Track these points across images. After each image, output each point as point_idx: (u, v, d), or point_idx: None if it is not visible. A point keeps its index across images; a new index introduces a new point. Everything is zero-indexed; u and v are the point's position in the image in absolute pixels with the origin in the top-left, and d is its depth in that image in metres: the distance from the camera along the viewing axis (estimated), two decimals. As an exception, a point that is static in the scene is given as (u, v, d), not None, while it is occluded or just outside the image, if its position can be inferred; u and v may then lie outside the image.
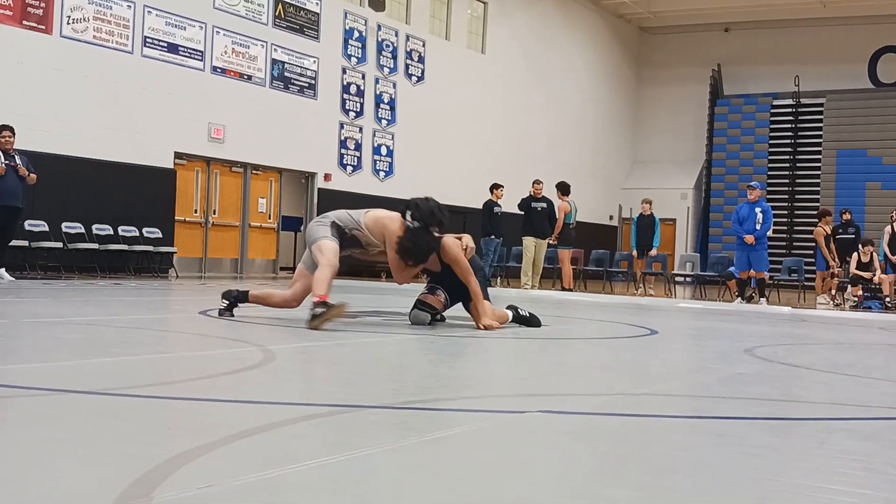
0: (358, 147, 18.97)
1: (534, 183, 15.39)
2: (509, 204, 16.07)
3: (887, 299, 13.59)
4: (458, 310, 6.63)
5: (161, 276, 14.53)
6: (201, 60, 15.66)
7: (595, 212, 25.86)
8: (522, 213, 15.31)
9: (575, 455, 2.51)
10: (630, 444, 2.72)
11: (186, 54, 15.41)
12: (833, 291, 14.67)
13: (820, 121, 26.42)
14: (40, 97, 13.25)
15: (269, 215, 17.51)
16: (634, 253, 16.30)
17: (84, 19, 13.88)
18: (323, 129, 18.14)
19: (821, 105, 26.43)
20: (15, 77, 12.99)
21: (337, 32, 18.44)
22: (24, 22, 13.11)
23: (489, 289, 6.90)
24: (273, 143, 16.95)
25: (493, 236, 15.34)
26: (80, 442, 2.38)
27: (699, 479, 2.28)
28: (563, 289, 15.32)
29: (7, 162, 11.09)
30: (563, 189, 15.72)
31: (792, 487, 2.20)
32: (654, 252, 16.07)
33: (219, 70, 15.95)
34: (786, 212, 25.94)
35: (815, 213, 16.41)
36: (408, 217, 6.09)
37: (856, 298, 14.06)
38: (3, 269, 11.13)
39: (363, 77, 19.04)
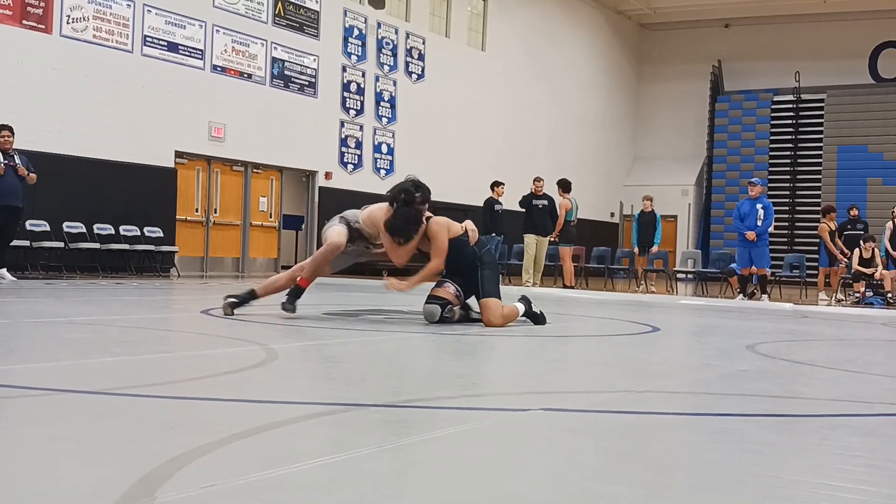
0: (358, 145, 18.97)
1: (535, 180, 15.39)
2: (510, 201, 16.07)
3: (889, 295, 13.58)
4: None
5: (162, 275, 14.53)
6: (201, 59, 15.66)
7: (596, 209, 25.85)
8: (523, 210, 15.30)
9: (576, 452, 2.51)
10: (631, 441, 2.72)
11: (186, 53, 15.41)
12: (838, 288, 14.65)
13: (821, 116, 26.39)
14: (41, 97, 13.26)
15: (270, 214, 17.52)
16: (636, 250, 16.30)
17: (84, 18, 13.88)
18: (323, 128, 18.14)
19: (821, 101, 26.41)
20: (15, 77, 12.99)
21: (337, 30, 18.43)
22: (24, 21, 13.11)
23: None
24: (274, 142, 16.95)
25: (493, 234, 15.33)
26: (81, 441, 2.39)
27: (700, 476, 2.28)
28: (565, 286, 15.31)
29: (6, 162, 11.09)
30: (564, 186, 15.71)
31: (793, 484, 2.20)
32: (655, 249, 16.07)
33: (219, 69, 15.95)
34: (787, 208, 25.92)
35: (817, 209, 16.42)
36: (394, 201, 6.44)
37: (858, 294, 14.05)
38: (4, 269, 11.13)
39: (363, 75, 19.04)
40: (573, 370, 4.66)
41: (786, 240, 25.49)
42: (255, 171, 17.07)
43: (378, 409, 3.02)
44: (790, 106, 26.96)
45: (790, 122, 26.89)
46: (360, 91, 18.98)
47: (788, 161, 26.75)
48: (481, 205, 15.95)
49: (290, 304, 6.60)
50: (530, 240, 15.07)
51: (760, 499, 2.07)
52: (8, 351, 4.38)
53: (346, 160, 18.67)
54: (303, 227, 18.40)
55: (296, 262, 19.16)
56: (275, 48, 16.98)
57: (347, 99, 18.67)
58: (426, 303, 6.43)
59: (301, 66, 17.55)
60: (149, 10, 14.82)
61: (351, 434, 2.63)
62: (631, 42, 29.20)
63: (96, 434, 2.49)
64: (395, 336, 5.70)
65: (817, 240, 15.29)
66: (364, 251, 6.77)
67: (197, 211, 16.12)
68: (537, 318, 6.71)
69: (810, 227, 25.30)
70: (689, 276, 19.76)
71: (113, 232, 14.19)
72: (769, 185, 24.68)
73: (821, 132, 26.30)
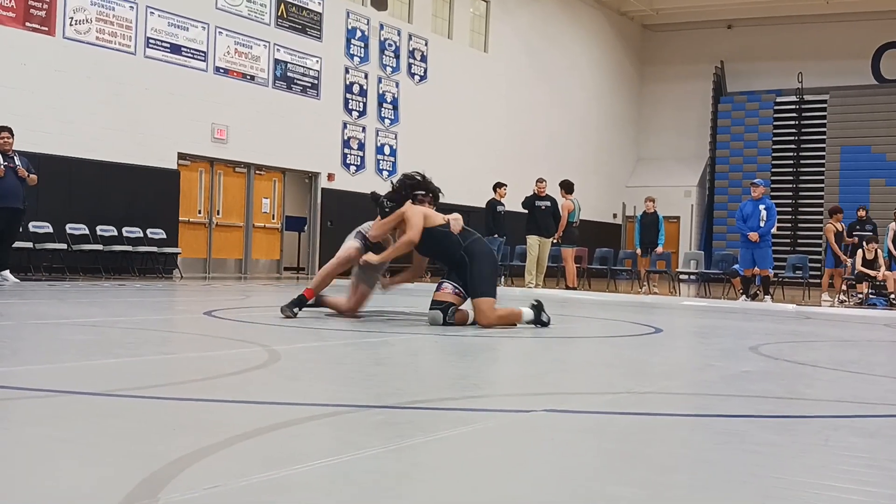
0: (361, 147, 18.98)
1: (537, 181, 15.39)
2: (513, 202, 16.06)
3: (892, 296, 13.57)
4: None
5: (165, 276, 14.54)
6: (204, 61, 15.67)
7: (599, 210, 25.85)
8: (526, 211, 15.30)
9: (579, 453, 2.51)
10: (634, 442, 2.73)
11: (189, 55, 15.43)
12: (843, 289, 14.64)
13: (824, 117, 26.38)
14: (43, 98, 13.28)
15: (273, 215, 17.52)
16: (638, 251, 16.29)
17: (87, 20, 13.90)
18: (326, 129, 18.15)
19: (824, 101, 26.39)
20: (18, 78, 13.01)
21: (339, 32, 18.44)
22: (27, 23, 13.13)
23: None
24: (276, 144, 16.96)
25: (496, 235, 15.34)
26: (84, 443, 2.39)
27: (702, 476, 2.28)
28: (567, 287, 15.31)
29: (6, 163, 11.09)
30: (567, 187, 15.70)
31: (796, 485, 2.20)
32: (660, 249, 16.06)
33: (221, 70, 15.96)
34: (790, 209, 25.91)
35: (820, 210, 16.40)
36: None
37: (861, 295, 14.04)
38: (7, 271, 11.13)
39: (366, 76, 19.05)
40: (576, 371, 4.66)
41: (789, 241, 25.46)
42: (257, 172, 17.08)
43: (381, 411, 3.02)
44: (793, 107, 26.94)
45: (793, 122, 26.88)
46: (363, 92, 18.99)
47: (791, 162, 26.73)
48: (484, 206, 15.94)
49: (290, 309, 6.61)
50: (533, 241, 15.07)
51: (762, 499, 2.07)
52: (11, 352, 4.39)
53: (348, 161, 18.67)
54: (305, 228, 18.41)
55: (298, 264, 19.21)
56: (277, 50, 16.99)
57: (350, 100, 18.68)
58: (430, 308, 6.48)
59: (304, 67, 17.56)
60: (151, 12, 14.84)
61: (354, 435, 2.63)
62: (633, 43, 29.19)
63: (99, 435, 2.49)
64: (397, 337, 5.70)
65: (820, 241, 15.28)
66: (380, 278, 7.04)
67: (200, 212, 16.14)
68: (542, 324, 6.67)
69: (813, 228, 25.32)
70: (692, 277, 19.75)
71: (116, 234, 14.21)
72: (772, 186, 24.65)
73: (824, 133, 26.28)
